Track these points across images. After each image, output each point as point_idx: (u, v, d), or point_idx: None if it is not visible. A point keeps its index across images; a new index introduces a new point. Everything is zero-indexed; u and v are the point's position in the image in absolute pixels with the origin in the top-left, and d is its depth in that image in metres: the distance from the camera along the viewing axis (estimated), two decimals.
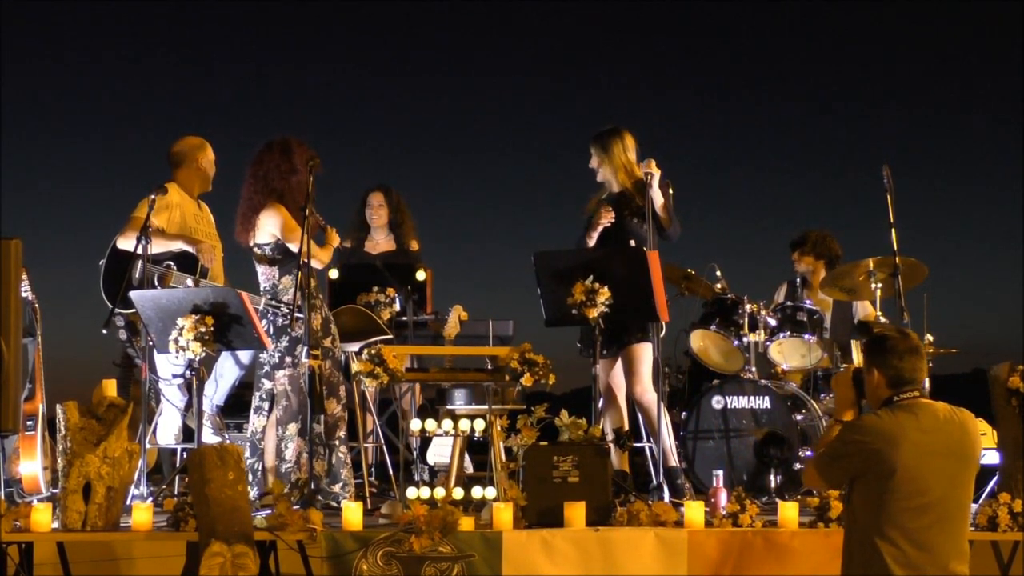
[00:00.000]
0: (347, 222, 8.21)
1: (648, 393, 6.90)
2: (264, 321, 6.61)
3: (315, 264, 6.64)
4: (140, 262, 6.72)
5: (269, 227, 6.65)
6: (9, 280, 5.55)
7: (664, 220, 6.95)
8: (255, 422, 6.69)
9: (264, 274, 6.77)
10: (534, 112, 17.48)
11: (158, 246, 6.86)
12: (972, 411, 4.42)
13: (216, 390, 7.04)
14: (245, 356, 7.03)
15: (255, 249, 6.74)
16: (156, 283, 6.73)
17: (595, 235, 7.00)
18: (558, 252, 6.74)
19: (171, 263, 6.95)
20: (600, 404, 6.73)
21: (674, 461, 6.88)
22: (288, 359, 6.63)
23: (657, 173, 6.85)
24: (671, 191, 7.05)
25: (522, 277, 7.15)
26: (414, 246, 8.29)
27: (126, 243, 6.92)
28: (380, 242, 8.27)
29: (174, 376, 7.00)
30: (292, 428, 6.57)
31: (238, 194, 6.81)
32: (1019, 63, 14.65)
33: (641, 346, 6.91)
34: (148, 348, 6.67)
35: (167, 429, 7.09)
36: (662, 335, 6.94)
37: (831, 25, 16.92)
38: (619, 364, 6.99)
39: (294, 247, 6.53)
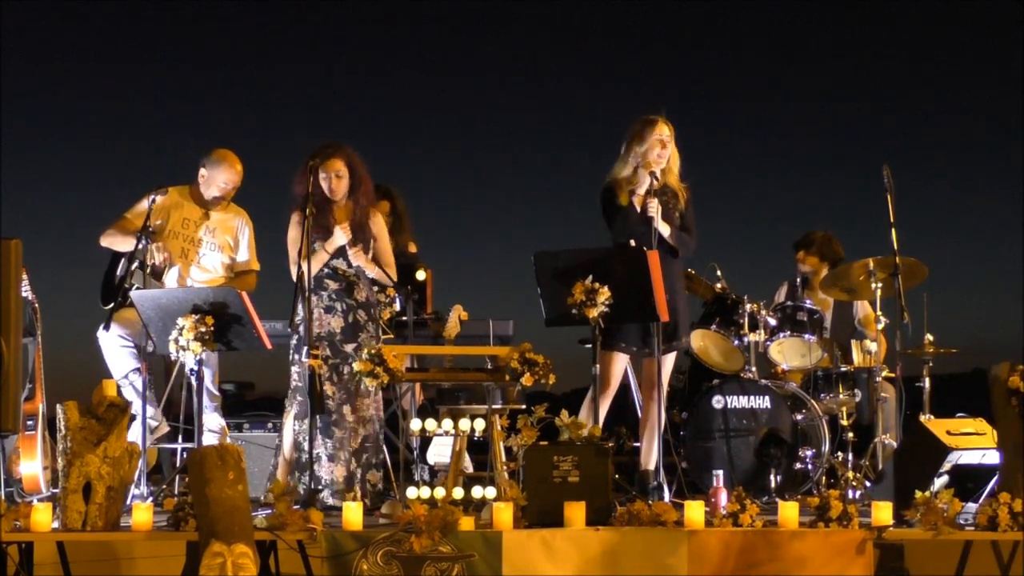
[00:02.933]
0: None
1: None
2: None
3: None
4: (122, 261, 6.93)
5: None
6: (9, 280, 5.55)
7: (673, 247, 6.92)
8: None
9: None
10: (534, 112, 17.45)
11: (122, 245, 7.00)
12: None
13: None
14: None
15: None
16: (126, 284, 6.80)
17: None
18: (558, 252, 6.72)
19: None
20: (602, 396, 6.69)
21: (652, 466, 6.88)
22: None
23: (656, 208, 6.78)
24: (687, 195, 6.99)
25: (522, 277, 7.15)
26: (412, 248, 8.28)
27: (105, 241, 7.11)
28: None
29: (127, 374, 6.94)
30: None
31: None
32: (1019, 63, 14.62)
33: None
34: (144, 348, 6.68)
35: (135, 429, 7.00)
36: None
37: (832, 25, 16.91)
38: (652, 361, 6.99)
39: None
